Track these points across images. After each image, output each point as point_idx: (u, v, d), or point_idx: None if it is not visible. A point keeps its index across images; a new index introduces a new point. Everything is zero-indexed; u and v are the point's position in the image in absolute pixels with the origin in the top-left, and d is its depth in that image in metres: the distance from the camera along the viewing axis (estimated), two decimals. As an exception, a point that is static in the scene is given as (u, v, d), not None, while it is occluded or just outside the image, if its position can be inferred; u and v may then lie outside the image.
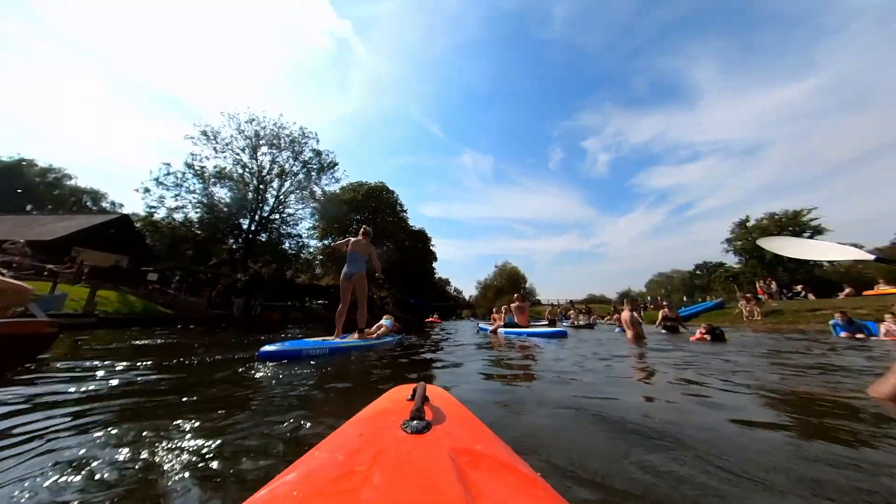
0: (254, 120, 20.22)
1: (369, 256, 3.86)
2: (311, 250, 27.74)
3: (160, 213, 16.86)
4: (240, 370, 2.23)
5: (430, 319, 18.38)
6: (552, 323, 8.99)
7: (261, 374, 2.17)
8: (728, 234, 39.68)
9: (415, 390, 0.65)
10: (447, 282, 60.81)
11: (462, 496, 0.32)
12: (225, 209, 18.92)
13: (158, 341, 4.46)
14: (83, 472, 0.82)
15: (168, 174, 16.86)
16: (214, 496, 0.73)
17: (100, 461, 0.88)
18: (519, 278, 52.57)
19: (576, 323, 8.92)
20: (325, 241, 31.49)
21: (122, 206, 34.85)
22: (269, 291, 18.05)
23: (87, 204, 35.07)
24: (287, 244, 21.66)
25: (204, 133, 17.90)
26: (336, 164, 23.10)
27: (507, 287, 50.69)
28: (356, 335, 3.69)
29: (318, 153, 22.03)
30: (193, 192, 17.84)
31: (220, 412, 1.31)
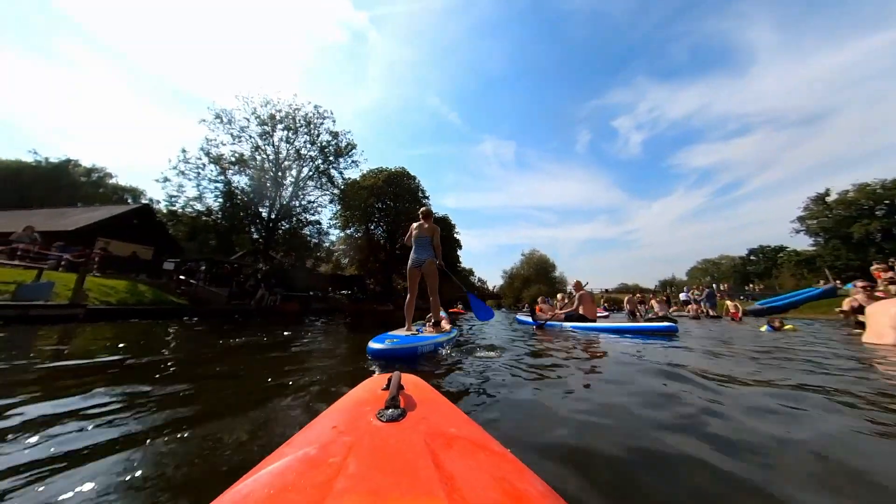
0: (269, 103, 19.26)
1: (433, 240, 3.45)
2: (333, 240, 27.08)
3: (180, 203, 16.45)
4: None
5: (454, 310, 16.80)
6: (633, 315, 6.95)
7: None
8: (799, 212, 34.34)
9: (389, 380, 0.63)
10: (471, 272, 59.05)
11: (437, 477, 0.33)
12: (244, 197, 18.27)
13: (118, 344, 3.15)
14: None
15: (185, 161, 16.32)
16: (182, 495, 0.71)
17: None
18: (548, 266, 49.67)
19: (659, 314, 6.83)
20: (348, 231, 30.82)
21: (158, 202, 36.24)
22: (289, 281, 17.33)
23: (128, 200, 36.90)
24: (307, 232, 20.86)
25: (218, 117, 17.13)
26: (354, 147, 21.76)
27: (535, 276, 48.00)
28: (429, 328, 3.34)
29: (334, 135, 20.76)
30: (214, 180, 17.27)
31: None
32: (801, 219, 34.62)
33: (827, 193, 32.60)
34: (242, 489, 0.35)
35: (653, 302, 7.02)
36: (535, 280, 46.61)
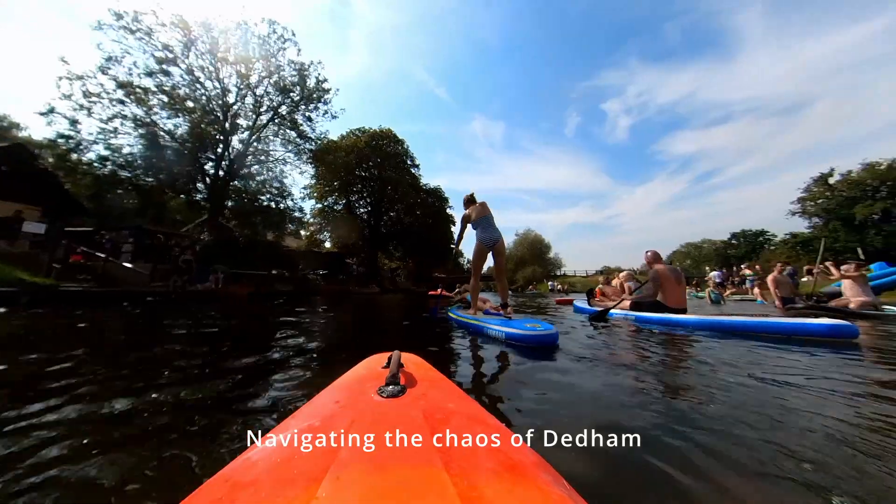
0: (210, 27, 14.20)
1: None
2: (306, 209, 22.74)
3: (72, 144, 11.70)
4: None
5: (437, 293, 13.53)
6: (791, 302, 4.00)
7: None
8: (800, 193, 33.67)
9: (390, 358, 0.65)
10: (461, 253, 56.14)
11: (435, 448, 0.36)
12: (176, 144, 13.64)
13: None
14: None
15: (77, 78, 11.30)
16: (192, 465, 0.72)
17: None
18: (542, 247, 47.51)
19: (855, 302, 3.58)
20: (325, 203, 26.35)
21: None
22: (241, 257, 13.35)
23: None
24: (267, 197, 16.52)
25: (120, 19, 11.87)
26: (327, 90, 17.21)
27: (530, 257, 45.68)
28: (503, 312, 3.03)
29: (300, 68, 16.09)
30: (126, 117, 12.48)
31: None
32: (801, 200, 34.10)
33: (830, 174, 31.90)
34: (252, 456, 0.38)
35: (847, 281, 3.78)
36: (529, 261, 44.40)
